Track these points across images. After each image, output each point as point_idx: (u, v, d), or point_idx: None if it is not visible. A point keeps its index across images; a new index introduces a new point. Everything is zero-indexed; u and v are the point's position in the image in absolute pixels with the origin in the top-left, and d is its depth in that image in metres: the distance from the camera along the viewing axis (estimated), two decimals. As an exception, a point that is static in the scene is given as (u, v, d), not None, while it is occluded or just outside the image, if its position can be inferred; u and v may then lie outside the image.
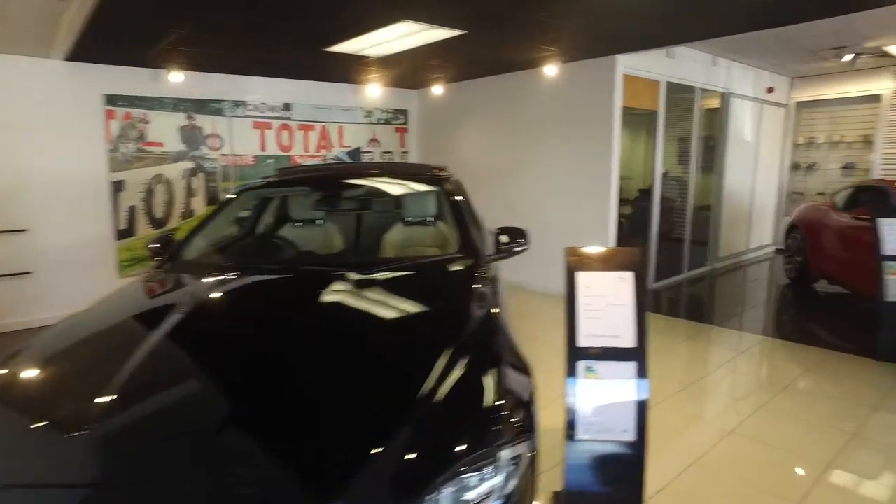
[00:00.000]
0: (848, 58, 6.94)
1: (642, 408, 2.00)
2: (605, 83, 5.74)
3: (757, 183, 8.59)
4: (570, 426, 2.03)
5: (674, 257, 7.30)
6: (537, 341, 4.32)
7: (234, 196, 3.32)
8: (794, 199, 9.17)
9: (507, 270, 6.12)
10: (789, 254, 7.06)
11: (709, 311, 6.18)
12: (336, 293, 2.36)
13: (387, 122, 8.39)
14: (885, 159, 8.43)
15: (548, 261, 6.68)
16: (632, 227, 7.86)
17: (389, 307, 2.26)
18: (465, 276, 2.51)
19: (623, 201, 9.36)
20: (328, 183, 3.43)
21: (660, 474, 2.71)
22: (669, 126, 7.49)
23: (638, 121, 7.39)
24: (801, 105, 9.25)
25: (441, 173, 3.43)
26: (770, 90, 8.56)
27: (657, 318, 5.65)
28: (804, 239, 6.55)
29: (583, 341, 2.04)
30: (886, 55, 7.29)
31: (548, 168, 6.49)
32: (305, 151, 7.64)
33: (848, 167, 8.92)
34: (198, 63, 5.98)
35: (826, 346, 4.58)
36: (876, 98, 8.44)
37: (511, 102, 6.91)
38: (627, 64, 5.77)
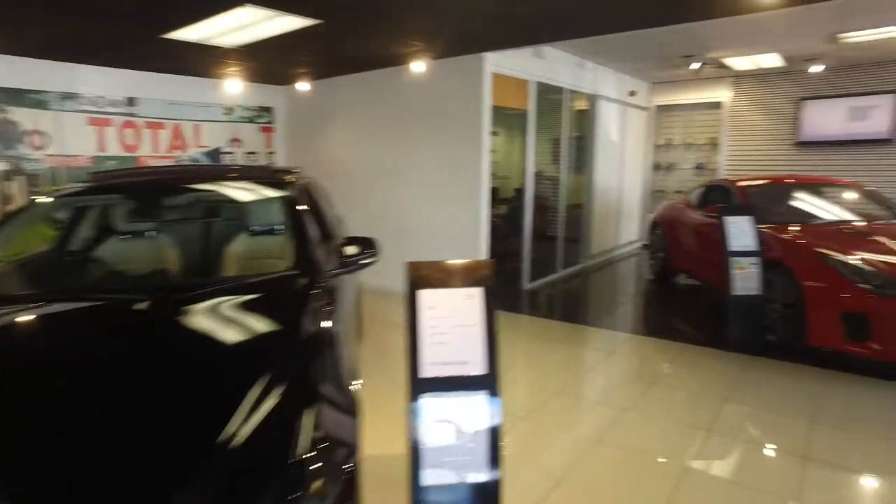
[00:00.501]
0: (695, 66, 7.39)
1: (495, 442, 1.78)
2: (473, 81, 5.62)
3: (624, 182, 8.97)
4: (414, 468, 1.76)
5: (548, 256, 7.39)
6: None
7: (31, 204, 2.73)
8: (656, 196, 9.71)
9: (384, 277, 5.79)
10: (653, 250, 7.40)
11: (581, 311, 6.28)
12: (135, 326, 1.94)
13: (250, 120, 7.77)
14: (728, 160, 9.15)
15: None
16: (508, 227, 7.88)
17: (196, 340, 1.88)
18: (296, 297, 2.17)
19: (502, 201, 9.46)
20: (146, 190, 2.92)
21: (524, 502, 2.54)
22: (543, 126, 7.57)
23: (514, 121, 7.40)
24: (660, 109, 9.83)
25: (287, 177, 3.04)
26: (632, 94, 8.98)
27: (532, 320, 5.63)
28: (665, 236, 6.87)
29: (427, 370, 1.78)
30: (725, 66, 7.89)
31: (420, 169, 6.28)
32: (155, 152, 6.85)
33: (699, 167, 9.59)
34: (7, 45, 5.09)
35: (686, 341, 4.75)
36: (718, 105, 9.15)
37: (381, 101, 6.62)
38: (496, 62, 5.69)
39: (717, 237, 4.52)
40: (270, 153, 8.04)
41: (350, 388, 1.89)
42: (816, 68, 7.79)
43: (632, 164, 9.28)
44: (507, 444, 3.08)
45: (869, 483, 2.76)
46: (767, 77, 8.63)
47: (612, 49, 6.93)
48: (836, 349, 3.88)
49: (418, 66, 5.82)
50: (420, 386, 1.78)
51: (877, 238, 4.29)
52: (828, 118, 8.31)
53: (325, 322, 2.01)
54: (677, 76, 8.78)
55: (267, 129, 7.98)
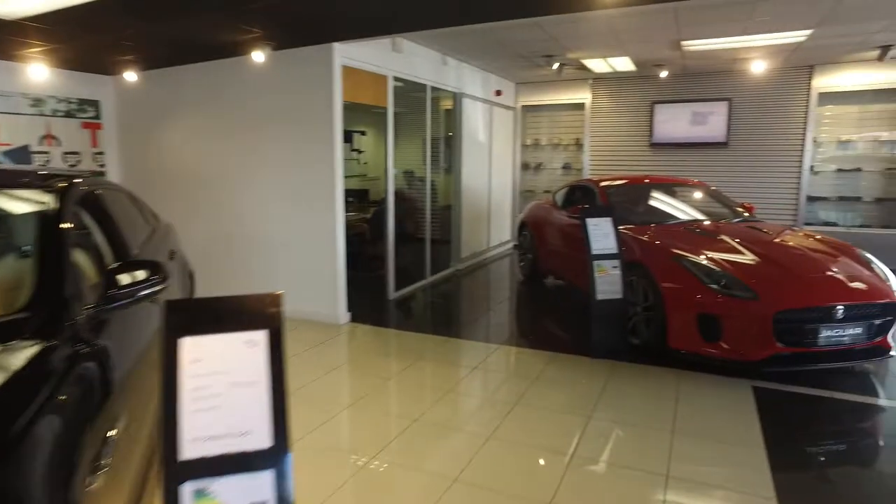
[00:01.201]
0: (555, 66, 7.42)
1: (289, 537, 1.33)
2: (322, 75, 5.11)
3: (492, 182, 8.87)
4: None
5: (417, 261, 7.05)
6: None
7: None
8: (526, 196, 9.75)
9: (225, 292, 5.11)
10: (522, 251, 7.33)
11: (448, 321, 5.95)
12: None
13: (69, 114, 6.65)
14: (591, 160, 9.41)
15: (272, 280, 5.81)
16: (375, 231, 7.45)
17: None
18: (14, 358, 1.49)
19: (372, 204, 9.02)
20: None
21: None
22: (411, 125, 7.23)
23: (382, 119, 6.97)
24: (527, 109, 9.89)
25: (56, 183, 2.35)
26: (498, 93, 8.91)
27: (396, 334, 5.23)
28: (532, 236, 6.80)
29: (189, 449, 1.29)
30: (585, 68, 8.05)
31: (268, 172, 5.64)
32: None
33: (566, 167, 9.78)
34: None
35: (554, 348, 4.60)
36: (581, 106, 9.38)
37: (223, 95, 5.89)
38: (347, 54, 5.22)
39: (580, 238, 4.41)
40: (98, 153, 6.95)
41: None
42: (664, 74, 8.17)
43: (500, 163, 9.22)
44: (348, 495, 2.64)
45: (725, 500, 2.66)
46: (623, 80, 8.94)
47: (473, 46, 6.73)
48: (693, 351, 3.87)
49: (259, 57, 5.19)
50: (179, 471, 1.28)
51: (723, 237, 4.40)
52: (675, 122, 8.78)
53: (57, 395, 1.40)
54: (542, 77, 8.84)
55: (92, 126, 6.88)
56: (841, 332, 3.61)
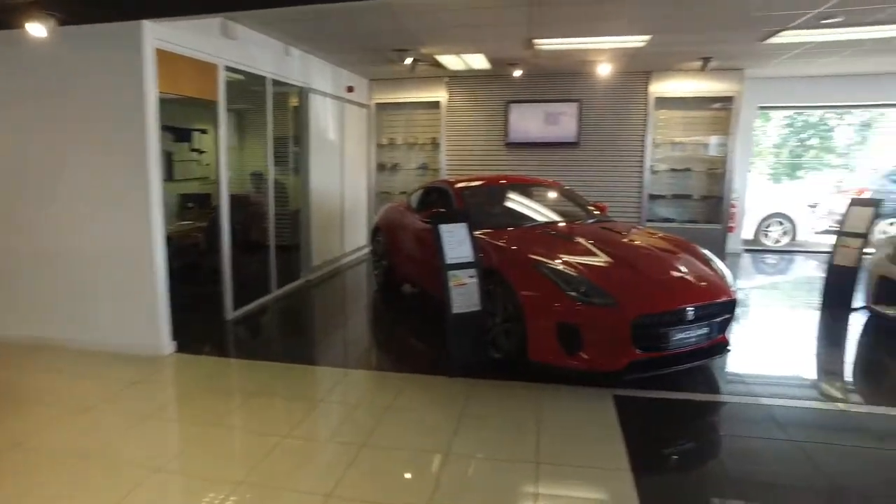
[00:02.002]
0: (409, 61, 7.07)
1: None
2: (129, 60, 4.24)
3: (346, 183, 8.32)
4: None
5: (262, 273, 6.30)
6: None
7: None
8: (383, 198, 9.31)
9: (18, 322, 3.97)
10: (376, 258, 6.88)
11: (295, 343, 5.23)
12: None
13: None
14: (448, 160, 9.22)
15: (74, 303, 4.65)
16: (212, 241, 6.57)
17: None
18: None
19: (214, 209, 8.02)
20: None
21: None
22: (257, 122, 6.46)
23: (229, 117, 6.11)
24: (381, 107, 9.45)
25: None
26: (350, 89, 8.38)
27: (232, 364, 4.48)
28: (386, 242, 6.38)
29: None
30: (440, 65, 7.81)
31: (68, 175, 4.62)
32: None
33: (423, 168, 9.51)
34: None
35: (409, 369, 4.20)
36: (437, 105, 9.15)
37: (11, 81, 4.72)
38: (163, 36, 4.40)
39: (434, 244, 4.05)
40: None
41: None
42: (518, 73, 8.17)
43: (354, 164, 8.70)
44: None
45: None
46: (478, 79, 8.84)
47: (318, 36, 6.15)
48: (554, 363, 3.67)
49: (38, 31, 4.15)
50: None
51: (579, 240, 4.29)
52: (529, 121, 8.85)
53: None
54: (396, 73, 8.45)
55: None
56: (690, 333, 3.62)
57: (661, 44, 6.43)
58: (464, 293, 3.87)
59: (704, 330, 3.69)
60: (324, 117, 7.50)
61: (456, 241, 3.91)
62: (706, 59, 7.40)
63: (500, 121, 8.92)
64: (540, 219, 5.16)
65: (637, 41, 6.31)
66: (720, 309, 3.77)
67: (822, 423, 3.39)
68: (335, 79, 7.87)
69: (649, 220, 8.68)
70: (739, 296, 4.07)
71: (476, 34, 6.09)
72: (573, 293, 3.58)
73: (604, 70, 7.92)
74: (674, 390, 3.70)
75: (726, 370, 4.14)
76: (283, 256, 6.69)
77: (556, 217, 5.21)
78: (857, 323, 5.52)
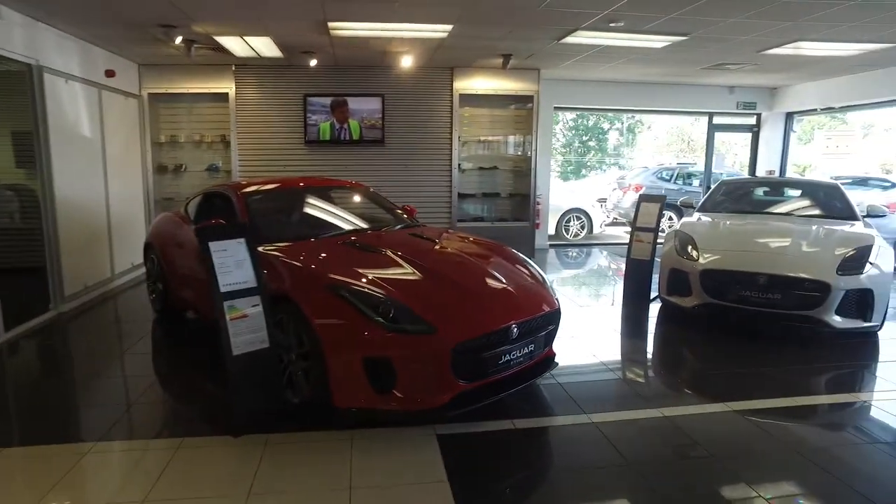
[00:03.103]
0: (179, 40, 5.92)
1: None
2: None
3: (112, 189, 6.80)
4: None
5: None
6: None
7: None
8: (165, 206, 7.89)
9: None
10: (151, 279, 5.64)
11: (20, 412, 3.78)
12: None
13: None
14: (241, 160, 8.13)
15: None
16: None
17: None
18: None
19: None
20: None
21: None
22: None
23: None
24: (155, 98, 8.00)
25: None
26: (110, 73, 6.86)
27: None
28: (160, 260, 5.20)
29: None
30: (224, 51, 6.74)
31: None
32: None
33: (213, 169, 8.27)
34: None
35: (182, 430, 3.26)
36: (225, 97, 8.00)
37: None
38: None
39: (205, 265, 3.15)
40: None
41: None
42: (314, 62, 7.40)
43: (123, 165, 7.18)
44: None
45: None
46: (271, 69, 7.88)
47: (54, 3, 4.79)
48: (365, 406, 3.02)
49: None
50: None
51: (387, 252, 3.69)
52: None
53: None
54: (171, 57, 7.14)
55: None
56: (517, 353, 3.25)
57: (463, 36, 6.17)
58: (246, 328, 3.05)
59: (530, 347, 3.34)
60: (72, 107, 5.98)
61: (233, 262, 3.07)
62: (507, 57, 7.37)
63: (298, 116, 8.06)
64: (343, 227, 4.49)
65: (438, 31, 5.96)
66: (545, 321, 3.47)
67: (643, 433, 3.24)
68: (87, 59, 6.34)
69: (461, 221, 8.53)
70: (552, 285, 3.84)
71: (258, 12, 5.21)
72: (381, 319, 2.97)
73: (407, 63, 7.50)
74: (501, 418, 3.30)
75: (547, 382, 3.89)
76: (17, 285, 5.12)
77: (360, 224, 4.59)
78: (655, 314, 5.80)
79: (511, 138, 8.98)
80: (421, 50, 6.97)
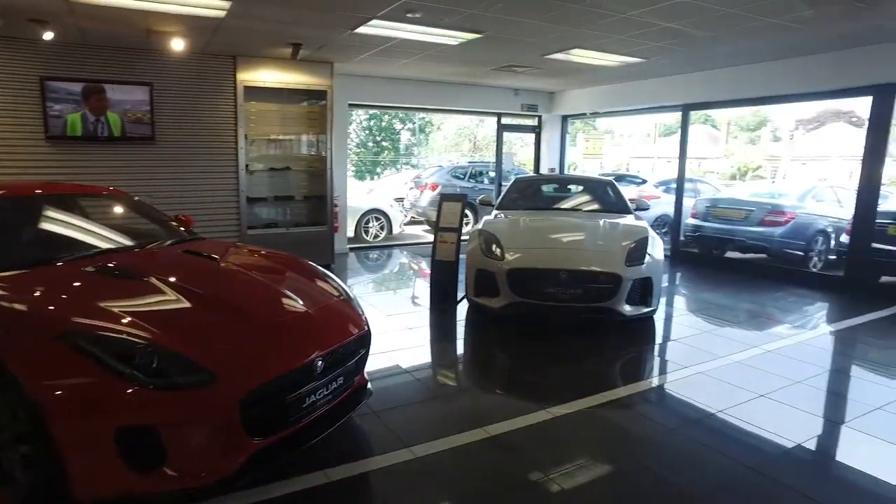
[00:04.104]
0: None
1: None
2: None
3: None
4: None
5: None
6: None
7: None
8: None
9: None
10: None
11: None
12: None
13: None
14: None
15: None
16: None
17: None
18: None
19: None
20: None
21: None
22: None
23: None
24: None
25: None
26: None
27: None
28: None
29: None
30: None
31: None
32: None
33: None
34: None
35: None
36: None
37: None
38: None
39: None
40: None
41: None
42: (49, 36, 5.90)
43: None
44: None
45: None
46: (-14, 43, 6.14)
47: None
48: (122, 495, 2.22)
49: None
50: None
51: (152, 279, 2.85)
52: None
53: None
54: None
55: None
56: (325, 391, 2.71)
57: (245, 17, 5.39)
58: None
59: (339, 381, 2.83)
60: None
61: None
62: (297, 46, 6.71)
63: (36, 105, 6.42)
64: (94, 246, 3.48)
65: (213, 9, 5.11)
66: (355, 346, 2.97)
67: (471, 460, 2.96)
68: None
69: (251, 228, 7.63)
70: (358, 300, 3.39)
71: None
72: (138, 374, 2.20)
73: (179, 46, 6.39)
74: (310, 470, 2.74)
75: (360, 412, 3.42)
76: None
77: (120, 241, 3.62)
78: (463, 316, 5.68)
79: (305, 137, 8.30)
80: (195, 32, 5.97)
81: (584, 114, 11.16)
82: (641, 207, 7.09)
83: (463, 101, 10.43)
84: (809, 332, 5.57)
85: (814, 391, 4.05)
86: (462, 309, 5.86)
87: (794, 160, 36.55)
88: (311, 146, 8.32)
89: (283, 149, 8.19)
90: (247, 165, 7.56)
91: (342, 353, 2.83)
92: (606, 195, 6.95)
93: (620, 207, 6.60)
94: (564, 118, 11.52)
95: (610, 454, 3.06)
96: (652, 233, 5.69)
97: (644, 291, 5.24)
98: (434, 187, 13.28)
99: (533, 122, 11.65)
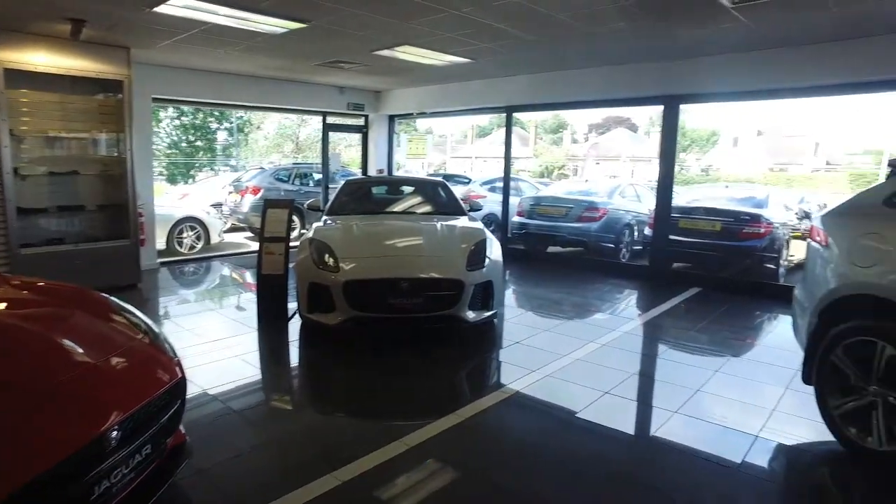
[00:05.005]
0: None
1: None
2: None
3: None
4: None
5: None
6: None
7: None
8: None
9: None
10: None
11: None
12: None
13: None
14: None
15: None
16: None
17: None
18: None
19: None
20: None
21: None
22: None
23: None
24: None
25: None
26: None
27: None
28: None
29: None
30: None
31: None
32: None
33: None
34: None
35: None
36: None
37: None
38: None
39: None
40: None
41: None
42: None
43: None
44: None
45: None
46: None
47: None
48: None
49: None
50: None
51: None
52: None
53: None
54: None
55: None
56: (125, 468, 2.06)
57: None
58: None
59: (146, 450, 2.17)
60: None
61: None
62: (78, 23, 5.56)
63: None
64: None
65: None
66: (165, 400, 2.33)
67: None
68: None
69: (27, 246, 6.23)
70: (170, 325, 2.77)
71: None
72: None
73: None
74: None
75: (183, 475, 2.80)
76: None
77: None
78: (297, 336, 5.16)
79: (99, 135, 7.02)
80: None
81: (412, 114, 11.09)
82: (475, 208, 7.11)
83: (286, 99, 9.74)
84: (632, 322, 5.98)
85: (647, 381, 4.30)
86: (295, 327, 5.32)
87: (590, 159, 41.14)
88: (107, 146, 7.07)
89: (69, 149, 6.84)
90: (16, 169, 6.14)
91: (147, 412, 2.20)
92: (439, 196, 6.85)
93: (455, 209, 6.53)
94: (391, 118, 11.34)
95: (473, 482, 2.84)
96: (489, 234, 5.68)
97: (486, 295, 5.18)
98: (256, 191, 12.32)
99: (359, 121, 11.29)
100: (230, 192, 13.37)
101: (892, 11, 4.93)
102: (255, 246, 5.84)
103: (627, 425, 3.54)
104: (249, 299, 6.26)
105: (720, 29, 5.48)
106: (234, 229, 12.54)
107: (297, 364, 4.76)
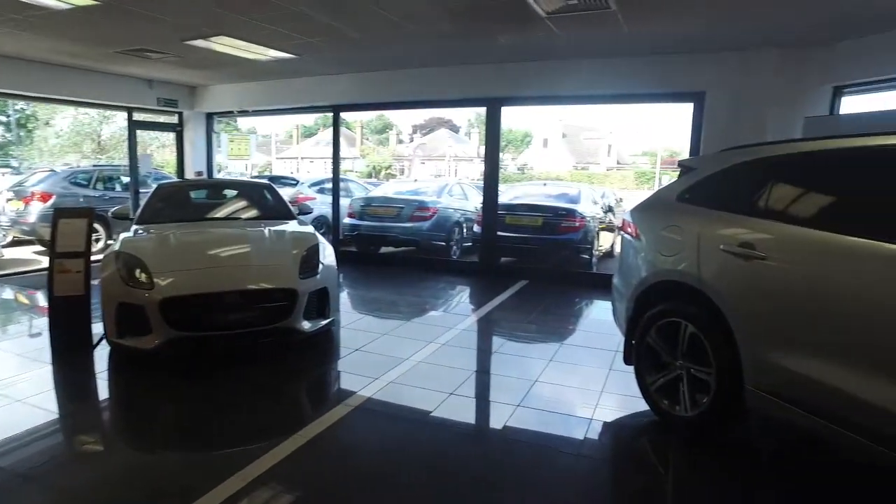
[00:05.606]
0: None
1: None
2: None
3: None
4: None
5: None
6: None
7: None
8: None
9: None
10: None
11: None
12: None
13: None
14: None
15: None
16: None
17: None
18: None
19: None
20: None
21: None
22: None
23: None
24: None
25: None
26: None
27: None
28: None
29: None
30: None
31: None
32: None
33: None
34: None
35: None
36: None
37: None
38: None
39: None
40: None
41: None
42: None
43: None
44: None
45: None
46: None
47: None
48: None
49: None
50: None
51: None
52: None
53: None
54: None
55: None
56: None
57: None
58: None
59: None
60: None
61: None
62: None
63: None
64: None
65: None
66: None
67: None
68: None
69: None
70: None
71: None
72: None
73: None
74: None
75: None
76: None
77: None
78: (105, 366, 4.47)
79: None
80: None
81: (233, 112, 10.34)
82: (304, 211, 6.81)
83: (81, 91, 8.48)
84: (468, 319, 6.15)
85: (487, 377, 4.42)
86: (102, 355, 4.60)
87: (416, 159, 42.39)
88: None
89: None
90: None
91: None
92: (265, 200, 6.43)
93: (283, 213, 6.17)
94: (210, 116, 10.47)
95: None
96: (321, 238, 5.44)
97: (321, 303, 4.95)
98: (46, 197, 10.57)
99: (173, 119, 10.24)
100: (10, 199, 11.31)
101: (670, 34, 5.66)
102: (46, 261, 4.97)
103: (478, 425, 3.59)
104: (42, 327, 5.31)
105: (536, 37, 5.84)
106: (17, 242, 10.65)
107: (108, 402, 4.09)
